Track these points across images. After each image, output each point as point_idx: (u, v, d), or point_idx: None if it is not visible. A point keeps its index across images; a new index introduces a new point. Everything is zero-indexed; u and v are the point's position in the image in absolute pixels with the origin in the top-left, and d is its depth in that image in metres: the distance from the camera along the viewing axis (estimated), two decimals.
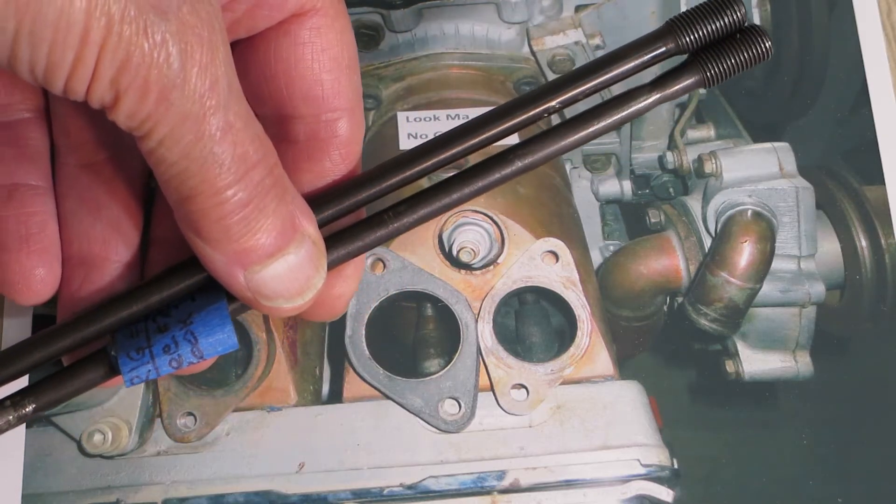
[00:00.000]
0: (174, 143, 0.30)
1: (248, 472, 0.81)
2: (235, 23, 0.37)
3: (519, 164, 0.39)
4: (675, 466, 0.79)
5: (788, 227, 0.96)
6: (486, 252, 0.85)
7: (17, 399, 0.37)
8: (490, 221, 0.85)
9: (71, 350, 0.38)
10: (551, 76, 1.12)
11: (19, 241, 0.40)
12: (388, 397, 0.81)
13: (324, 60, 0.38)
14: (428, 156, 0.39)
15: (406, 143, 1.00)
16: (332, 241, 0.38)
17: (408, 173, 0.40)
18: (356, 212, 0.40)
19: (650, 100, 0.38)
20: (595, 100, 0.41)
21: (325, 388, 1.00)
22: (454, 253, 0.83)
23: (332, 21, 0.39)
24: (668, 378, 1.17)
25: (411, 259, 0.84)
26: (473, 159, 0.42)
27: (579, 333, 0.81)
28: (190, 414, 0.83)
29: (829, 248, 1.00)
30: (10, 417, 0.37)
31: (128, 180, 0.42)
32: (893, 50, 0.93)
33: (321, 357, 0.98)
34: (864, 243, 0.98)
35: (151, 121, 0.29)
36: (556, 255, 0.84)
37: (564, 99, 0.40)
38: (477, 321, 0.82)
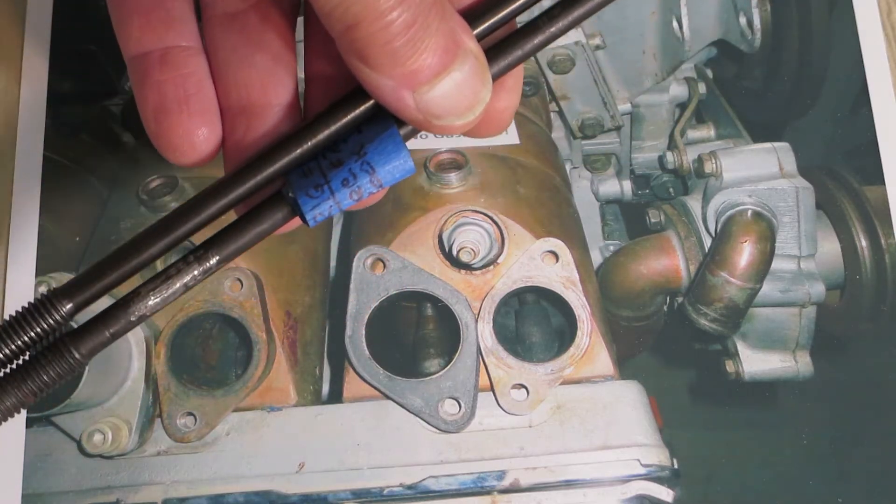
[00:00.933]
0: None
1: (248, 472, 0.81)
2: None
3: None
4: (675, 466, 0.79)
5: (788, 227, 0.96)
6: (486, 252, 0.85)
7: (199, 253, 0.37)
8: (490, 221, 0.85)
9: (245, 198, 0.38)
10: (551, 76, 1.12)
11: (178, 103, 0.40)
12: (388, 397, 0.81)
13: None
14: None
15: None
16: (490, 54, 0.37)
17: None
18: (508, 23, 0.39)
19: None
20: None
21: (325, 388, 1.00)
22: (454, 253, 0.83)
23: None
24: (668, 378, 1.17)
25: (411, 259, 0.84)
26: None
27: (579, 333, 0.81)
28: (190, 414, 0.83)
29: (829, 248, 1.00)
30: (196, 272, 0.37)
31: (276, 23, 0.41)
32: (893, 50, 0.93)
33: (321, 357, 0.98)
34: (864, 243, 0.98)
35: None
36: (556, 255, 0.84)
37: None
38: (477, 321, 0.82)
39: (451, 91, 0.35)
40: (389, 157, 0.36)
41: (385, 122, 0.36)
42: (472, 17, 0.38)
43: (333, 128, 0.37)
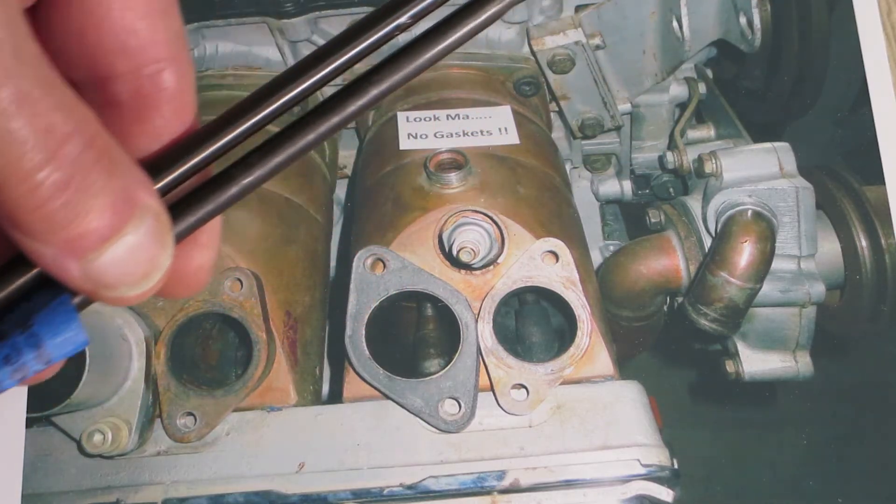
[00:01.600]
0: None
1: (248, 472, 0.81)
2: None
3: (374, 91, 0.34)
4: (675, 466, 0.79)
5: (788, 227, 0.96)
6: (486, 252, 0.85)
7: None
8: (490, 221, 0.85)
9: None
10: (551, 76, 1.12)
11: None
12: (388, 397, 0.81)
13: (135, 6, 0.34)
14: (271, 97, 0.34)
15: (406, 143, 1.00)
16: (178, 208, 0.34)
17: (253, 120, 0.35)
18: (203, 171, 0.35)
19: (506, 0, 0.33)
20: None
21: (325, 388, 1.00)
22: (454, 253, 0.83)
23: None
24: (668, 378, 1.17)
25: (411, 259, 0.84)
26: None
27: (579, 333, 0.81)
28: (190, 414, 0.83)
29: (829, 248, 1.00)
30: None
31: None
32: (893, 50, 0.93)
33: (321, 357, 0.98)
34: (864, 243, 0.98)
35: None
36: (556, 255, 0.84)
37: (415, 12, 0.34)
38: (477, 321, 0.82)
39: (123, 257, 0.31)
40: (59, 329, 0.32)
41: (56, 289, 0.32)
42: (158, 165, 0.34)
43: None
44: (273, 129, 0.35)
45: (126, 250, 0.31)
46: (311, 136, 0.33)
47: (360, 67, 0.35)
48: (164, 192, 0.33)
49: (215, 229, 0.37)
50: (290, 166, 0.34)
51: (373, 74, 0.34)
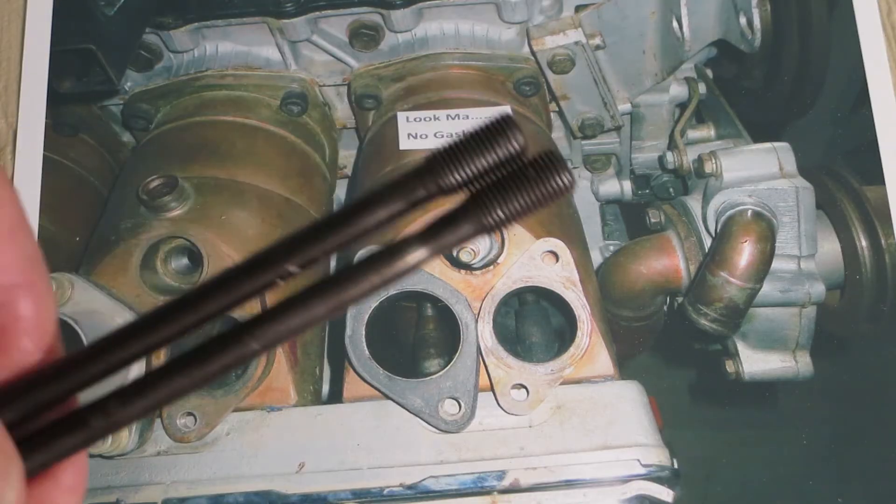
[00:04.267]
0: None
1: (248, 472, 0.81)
2: None
3: (255, 345, 0.30)
4: (675, 466, 0.79)
5: (788, 227, 0.96)
6: (486, 252, 0.85)
7: None
8: None
9: None
10: (551, 76, 1.12)
11: None
12: (388, 397, 0.81)
13: None
14: (138, 337, 0.31)
15: (406, 143, 1.00)
16: (30, 442, 0.30)
17: (122, 354, 0.31)
18: (67, 401, 0.32)
19: (419, 254, 0.31)
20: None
21: (325, 388, 1.00)
22: (454, 253, 0.83)
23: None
24: (668, 378, 1.17)
25: None
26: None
27: (579, 333, 0.81)
28: (190, 414, 0.83)
29: (829, 248, 1.00)
30: None
31: None
32: (893, 50, 0.93)
33: (321, 357, 0.98)
34: (864, 243, 0.98)
35: None
36: (556, 255, 0.84)
37: (303, 261, 0.31)
38: (477, 321, 0.82)
39: None
40: None
41: None
42: (9, 394, 0.31)
43: None
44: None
45: None
46: (176, 386, 0.30)
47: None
48: (17, 423, 0.30)
49: (80, 471, 0.34)
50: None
51: (254, 325, 0.30)
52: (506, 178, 0.30)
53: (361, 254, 0.67)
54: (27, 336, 0.33)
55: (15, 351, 0.33)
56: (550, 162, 0.30)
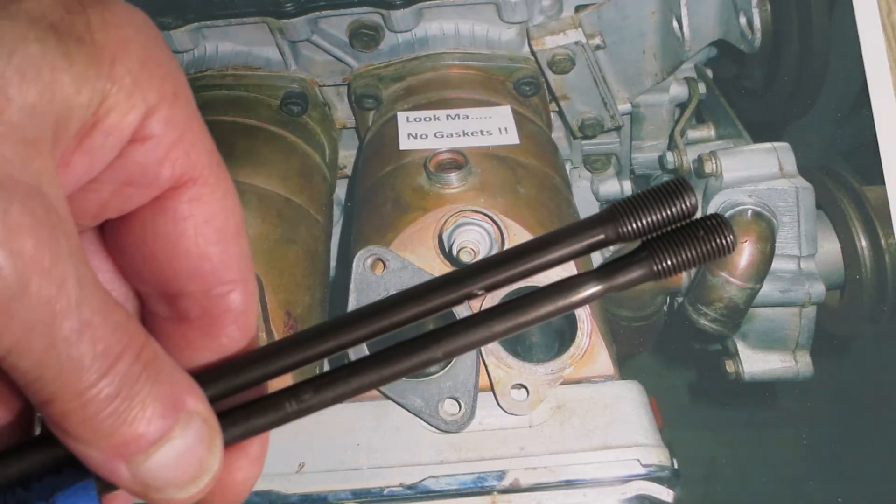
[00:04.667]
0: (24, 353, 0.28)
1: None
2: (103, 204, 0.34)
3: (439, 352, 0.35)
4: (675, 466, 0.79)
5: (788, 227, 0.96)
6: (487, 252, 0.85)
7: None
8: (490, 221, 0.85)
9: None
10: (551, 76, 1.12)
11: None
12: (388, 397, 0.81)
13: (208, 233, 0.35)
14: (335, 334, 0.36)
15: (406, 143, 1.00)
16: (231, 416, 0.35)
17: (312, 352, 0.36)
18: (259, 386, 0.37)
19: (593, 291, 0.35)
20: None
21: None
22: (454, 253, 0.83)
23: (213, 188, 0.35)
24: (668, 378, 1.17)
25: (411, 259, 0.84)
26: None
27: (579, 333, 0.81)
28: None
29: (829, 248, 1.00)
30: None
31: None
32: (893, 50, 0.93)
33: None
34: (864, 243, 0.98)
35: None
36: None
37: (488, 284, 0.35)
38: None
39: (171, 460, 0.31)
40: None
41: (86, 470, 0.32)
42: (216, 374, 0.35)
43: (27, 464, 0.33)
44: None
45: (174, 454, 0.32)
46: (366, 380, 0.35)
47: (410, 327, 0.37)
48: (217, 399, 0.35)
49: (264, 445, 0.39)
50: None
51: (442, 334, 0.35)
52: (677, 232, 0.34)
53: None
54: (235, 325, 0.37)
55: (224, 337, 0.37)
56: (719, 224, 0.34)
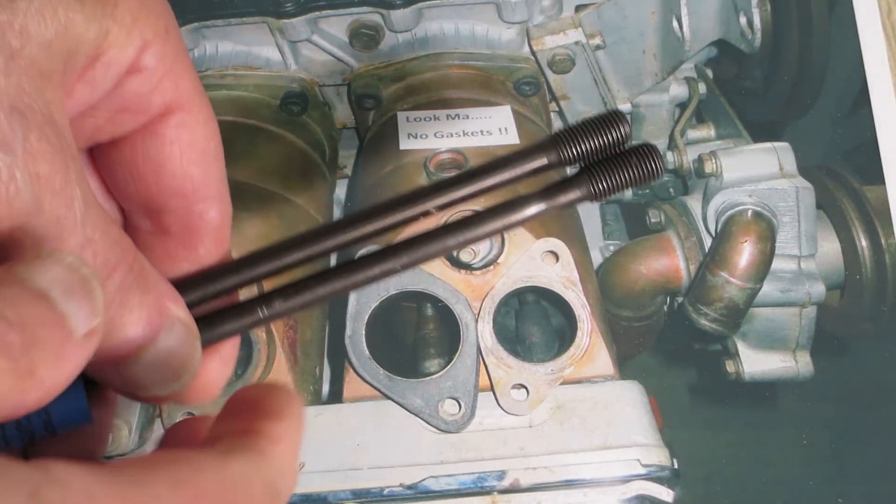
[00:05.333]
0: None
1: None
2: (97, 129, 0.37)
3: (398, 264, 0.39)
4: (675, 466, 0.79)
5: (788, 227, 0.96)
6: (486, 252, 0.85)
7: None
8: None
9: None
10: (551, 76, 1.12)
11: None
12: (388, 397, 0.81)
13: (192, 156, 0.38)
14: (300, 246, 0.39)
15: (406, 143, 1.00)
16: (206, 321, 0.38)
17: (279, 263, 0.39)
18: (232, 294, 0.40)
19: (536, 209, 0.38)
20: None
21: (325, 388, 1.00)
22: (454, 253, 0.83)
23: (197, 115, 0.38)
24: (668, 378, 1.17)
25: None
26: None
27: (579, 333, 0.81)
28: (189, 414, 0.83)
29: (829, 248, 1.00)
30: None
31: None
32: (893, 50, 0.93)
33: (321, 357, 0.98)
34: (864, 243, 0.98)
35: (6, 248, 0.29)
36: (556, 255, 0.84)
37: (441, 203, 0.39)
38: (477, 321, 0.82)
39: (157, 361, 0.34)
40: (68, 408, 0.33)
41: None
42: (192, 284, 0.38)
43: None
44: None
45: (159, 355, 0.34)
46: (329, 288, 0.38)
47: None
48: (194, 305, 0.37)
49: (235, 347, 0.41)
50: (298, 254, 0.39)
51: (400, 248, 0.39)
52: (612, 158, 0.38)
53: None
54: (211, 238, 0.40)
55: (201, 249, 0.40)
56: (649, 151, 0.37)
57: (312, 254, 0.39)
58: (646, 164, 0.37)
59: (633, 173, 0.37)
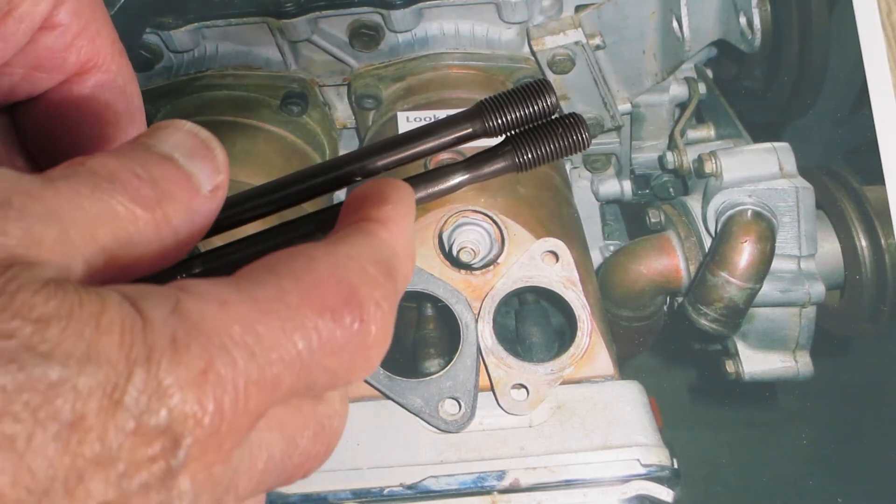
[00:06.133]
0: None
1: None
2: (13, 87, 0.37)
3: (316, 231, 0.39)
4: (675, 466, 0.79)
5: (788, 227, 0.96)
6: (486, 252, 0.85)
7: None
8: (490, 221, 0.85)
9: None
10: (551, 76, 1.12)
11: None
12: (388, 397, 0.81)
13: (109, 116, 0.38)
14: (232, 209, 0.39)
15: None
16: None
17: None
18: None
19: (460, 179, 0.37)
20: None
21: None
22: (454, 253, 0.83)
23: (116, 75, 0.38)
24: (668, 378, 1.17)
25: None
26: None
27: (579, 333, 0.81)
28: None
29: (829, 248, 1.00)
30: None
31: None
32: (893, 50, 0.93)
33: None
34: (864, 243, 0.98)
35: None
36: (556, 255, 0.84)
37: (367, 171, 0.39)
38: (477, 321, 0.82)
39: None
40: None
41: None
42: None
43: None
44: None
45: None
46: (245, 252, 0.37)
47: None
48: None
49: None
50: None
51: (317, 216, 0.38)
52: (538, 129, 0.37)
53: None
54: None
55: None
56: (576, 122, 0.36)
57: (241, 220, 0.39)
58: (572, 134, 0.36)
59: (559, 144, 0.36)
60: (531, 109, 0.37)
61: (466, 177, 0.37)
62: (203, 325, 0.25)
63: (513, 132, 0.37)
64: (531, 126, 0.37)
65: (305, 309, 0.27)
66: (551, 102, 0.36)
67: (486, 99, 0.37)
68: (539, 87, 0.36)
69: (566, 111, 1.17)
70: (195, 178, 0.30)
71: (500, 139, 0.38)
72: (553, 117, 0.37)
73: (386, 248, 0.31)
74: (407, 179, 0.37)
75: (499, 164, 0.37)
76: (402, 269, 0.32)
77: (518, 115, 0.37)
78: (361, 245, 0.31)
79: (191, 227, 0.30)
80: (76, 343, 0.23)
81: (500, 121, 0.37)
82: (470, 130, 0.37)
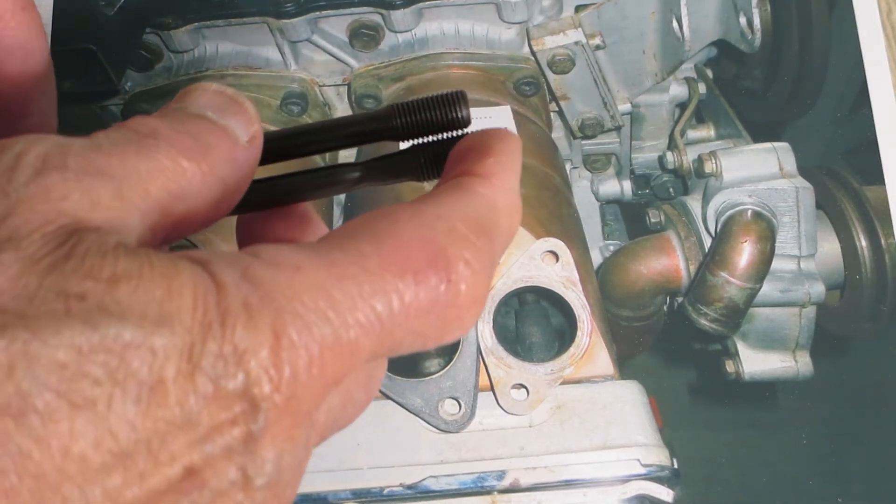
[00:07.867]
0: None
1: None
2: None
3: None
4: (675, 466, 0.79)
5: (788, 227, 0.96)
6: None
7: None
8: None
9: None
10: (551, 76, 1.12)
11: None
12: (388, 397, 0.81)
13: (4, 78, 0.37)
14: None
15: (406, 144, 1.00)
16: None
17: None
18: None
19: (352, 178, 0.38)
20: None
21: None
22: None
23: (15, 31, 0.36)
24: (668, 378, 1.17)
25: None
26: None
27: (579, 333, 0.81)
28: None
29: (829, 248, 1.00)
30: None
31: None
32: (893, 50, 0.93)
33: None
34: (864, 243, 0.98)
35: None
36: (556, 255, 0.84)
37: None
38: (477, 321, 0.82)
39: None
40: None
41: None
42: None
43: None
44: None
45: None
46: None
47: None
48: None
49: None
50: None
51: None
52: (447, 141, 0.36)
53: None
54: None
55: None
56: (456, 99, 0.35)
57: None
58: (450, 111, 0.35)
59: (436, 115, 0.36)
60: (436, 118, 0.36)
61: (357, 174, 0.38)
62: (274, 290, 0.25)
63: (420, 141, 0.37)
64: (440, 138, 0.37)
65: (385, 273, 0.26)
66: (462, 115, 0.35)
67: (398, 103, 0.37)
68: (454, 98, 0.35)
69: (566, 111, 1.17)
70: (230, 130, 0.30)
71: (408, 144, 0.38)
72: (462, 133, 0.36)
73: (483, 203, 0.30)
74: (305, 171, 0.37)
75: (398, 169, 0.38)
76: (504, 224, 0.31)
77: (422, 121, 0.36)
78: (454, 202, 0.30)
79: (237, 177, 0.30)
80: (149, 304, 0.23)
81: (404, 121, 0.37)
82: (375, 130, 0.38)
